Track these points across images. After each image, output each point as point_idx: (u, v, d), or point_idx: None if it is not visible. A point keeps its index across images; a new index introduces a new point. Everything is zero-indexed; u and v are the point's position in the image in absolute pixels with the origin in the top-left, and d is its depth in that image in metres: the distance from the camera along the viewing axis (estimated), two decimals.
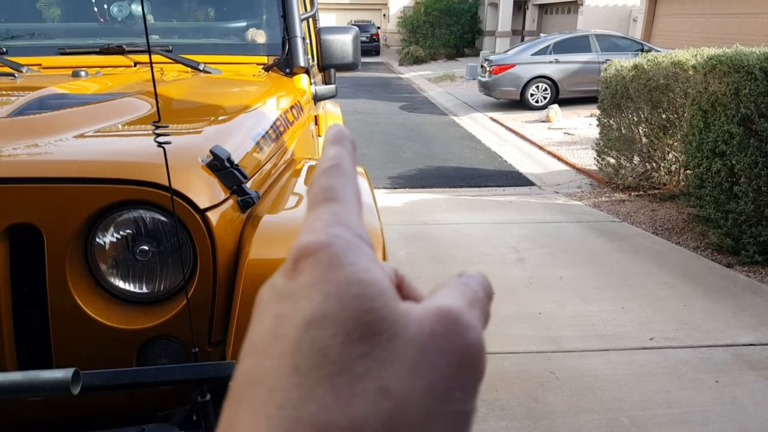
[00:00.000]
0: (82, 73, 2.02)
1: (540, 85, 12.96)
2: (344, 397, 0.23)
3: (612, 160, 6.95)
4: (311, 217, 0.29)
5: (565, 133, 10.30)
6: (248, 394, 0.24)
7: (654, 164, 6.53)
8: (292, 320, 0.25)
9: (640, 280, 4.19)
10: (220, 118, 1.73)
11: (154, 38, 2.63)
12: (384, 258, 1.34)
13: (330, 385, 0.23)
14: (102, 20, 2.70)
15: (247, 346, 0.26)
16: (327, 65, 2.75)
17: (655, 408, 2.73)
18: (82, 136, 1.40)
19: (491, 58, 13.85)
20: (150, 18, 2.75)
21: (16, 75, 2.12)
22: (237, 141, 1.54)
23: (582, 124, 10.77)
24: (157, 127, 1.15)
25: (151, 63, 1.11)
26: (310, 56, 2.81)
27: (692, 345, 3.29)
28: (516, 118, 11.95)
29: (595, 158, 7.29)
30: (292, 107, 2.20)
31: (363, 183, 1.80)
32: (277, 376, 0.24)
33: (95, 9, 2.68)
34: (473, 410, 0.27)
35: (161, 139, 1.13)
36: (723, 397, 2.82)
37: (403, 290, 0.30)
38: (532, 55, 13.15)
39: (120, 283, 1.25)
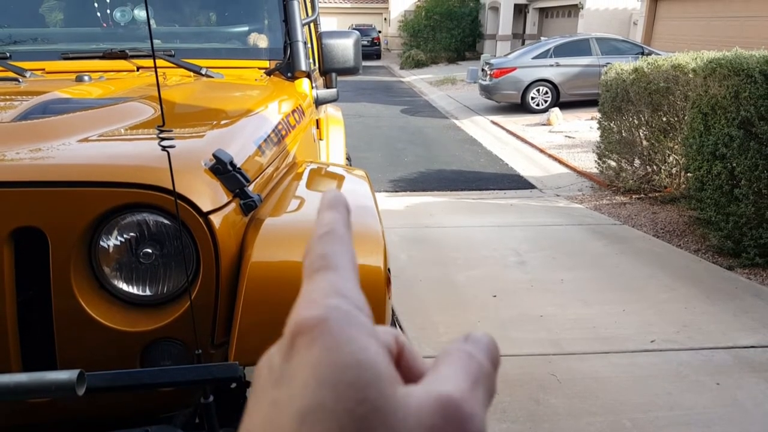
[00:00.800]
0: (86, 78, 2.04)
1: (541, 88, 12.97)
2: None
3: (613, 163, 6.96)
4: (308, 287, 0.28)
5: (565, 136, 10.31)
6: None
7: (655, 167, 6.54)
8: (288, 410, 0.24)
9: (641, 283, 4.19)
10: (223, 122, 1.74)
11: (157, 43, 2.65)
12: (385, 262, 1.35)
13: None
14: (105, 25, 2.71)
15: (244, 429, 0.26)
16: (328, 69, 2.77)
17: (657, 410, 2.74)
18: (85, 140, 1.42)
19: (492, 61, 13.87)
20: (152, 23, 2.77)
21: (20, 80, 2.14)
22: (239, 145, 1.55)
23: (583, 127, 10.78)
24: (161, 131, 1.17)
25: (155, 67, 1.12)
26: (311, 60, 2.83)
27: (693, 347, 3.29)
28: (517, 122, 11.97)
29: (595, 161, 7.30)
30: (293, 111, 2.21)
31: (365, 186, 1.81)
32: None
33: (98, 14, 2.70)
34: None
35: (165, 143, 1.14)
36: (724, 400, 2.82)
37: (403, 360, 0.29)
38: (533, 58, 13.17)
39: (124, 286, 1.27)
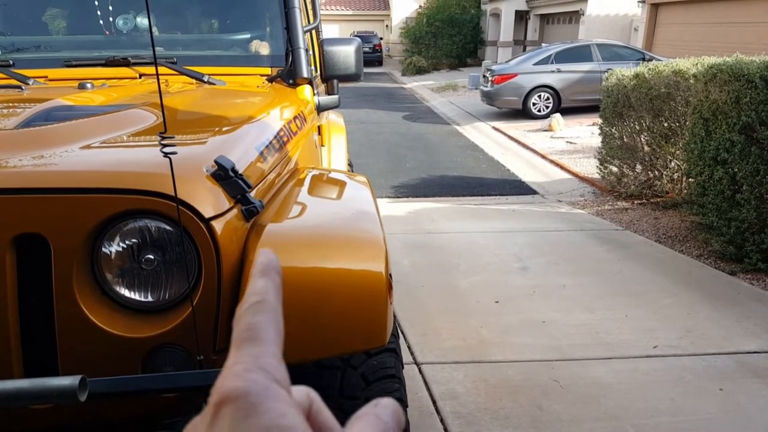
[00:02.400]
0: (88, 85, 2.05)
1: (542, 94, 12.99)
2: None
3: (614, 169, 6.96)
4: (233, 358, 0.31)
5: (567, 141, 10.31)
6: None
7: (656, 172, 6.54)
8: None
9: (643, 288, 4.19)
10: (225, 128, 1.75)
11: (159, 50, 2.66)
12: (386, 268, 1.36)
13: None
14: (107, 33, 2.73)
15: None
16: (330, 76, 2.77)
17: (660, 416, 2.73)
18: (88, 147, 1.42)
19: (493, 67, 13.90)
20: (155, 30, 2.78)
21: (23, 87, 2.15)
22: (241, 151, 1.56)
23: (584, 132, 10.78)
24: (163, 138, 1.17)
25: (157, 74, 1.13)
26: (313, 67, 2.84)
27: (696, 353, 3.28)
28: (518, 127, 11.98)
29: (597, 167, 7.30)
30: (295, 117, 2.22)
31: (366, 192, 1.81)
32: None
33: (101, 22, 2.71)
34: None
35: (167, 149, 1.15)
36: (727, 405, 2.81)
37: (313, 415, 0.34)
38: (534, 64, 13.19)
39: (126, 292, 1.27)
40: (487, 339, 3.45)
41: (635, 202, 6.63)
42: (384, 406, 0.34)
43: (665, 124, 6.20)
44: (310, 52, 2.83)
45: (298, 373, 1.51)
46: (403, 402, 1.57)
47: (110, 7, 2.70)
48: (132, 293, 1.27)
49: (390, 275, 1.39)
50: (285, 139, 1.94)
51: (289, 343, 1.26)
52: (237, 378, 0.30)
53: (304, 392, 0.34)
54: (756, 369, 3.12)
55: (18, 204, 1.22)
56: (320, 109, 2.83)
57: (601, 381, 3.01)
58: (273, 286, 0.35)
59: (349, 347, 1.34)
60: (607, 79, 6.93)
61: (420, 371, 3.10)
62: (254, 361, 0.31)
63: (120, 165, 1.35)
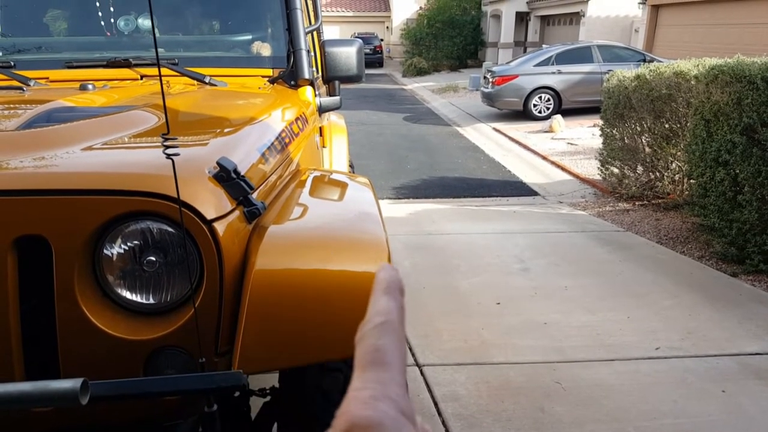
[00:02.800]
0: (90, 87, 2.05)
1: (543, 95, 12.99)
2: None
3: (615, 170, 6.95)
4: (360, 381, 0.30)
5: (568, 143, 10.31)
6: None
7: (657, 174, 6.53)
8: None
9: (645, 290, 4.18)
10: (226, 130, 1.74)
11: (160, 51, 2.66)
12: None
13: None
14: (109, 34, 2.72)
15: None
16: (331, 77, 2.77)
17: (662, 418, 2.72)
18: (89, 148, 1.42)
19: (494, 69, 13.90)
20: (156, 31, 2.78)
21: (24, 88, 2.15)
22: (243, 152, 1.55)
23: (585, 134, 10.78)
24: (166, 139, 1.17)
25: (160, 75, 1.13)
26: (314, 68, 2.84)
27: (698, 354, 3.27)
28: (519, 129, 11.98)
29: (598, 168, 7.30)
30: (297, 119, 2.22)
31: (368, 193, 1.81)
32: None
33: (102, 23, 2.71)
34: None
35: (170, 151, 1.14)
36: (730, 407, 2.80)
37: None
38: (535, 66, 13.19)
39: (127, 294, 1.26)
40: (489, 340, 3.44)
41: (636, 203, 6.62)
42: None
43: (666, 126, 6.19)
44: (312, 54, 2.83)
45: (300, 375, 1.51)
46: None
47: (111, 8, 2.69)
48: (133, 295, 1.26)
49: None
50: (287, 140, 1.94)
51: (292, 345, 1.26)
52: (366, 406, 0.29)
53: (419, 423, 0.33)
54: (758, 370, 3.11)
55: (19, 205, 1.21)
56: (321, 110, 2.82)
57: (602, 383, 3.00)
58: (396, 306, 0.34)
59: (351, 350, 1.33)
60: (608, 80, 6.92)
61: (421, 373, 3.09)
62: (382, 389, 0.30)
63: (122, 166, 1.34)
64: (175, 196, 1.17)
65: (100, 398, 1.08)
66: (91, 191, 1.23)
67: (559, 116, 11.70)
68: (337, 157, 3.76)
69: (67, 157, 1.35)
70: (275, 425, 1.59)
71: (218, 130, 1.72)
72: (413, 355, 3.27)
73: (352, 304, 1.31)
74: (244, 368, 1.21)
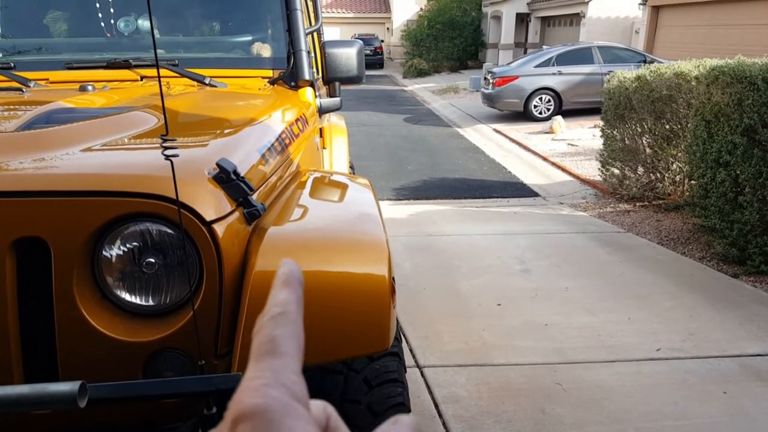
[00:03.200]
0: (89, 88, 2.04)
1: (543, 96, 12.99)
2: None
3: (616, 171, 6.95)
4: (252, 371, 0.31)
5: (568, 144, 10.30)
6: None
7: (658, 175, 6.52)
8: None
9: (646, 291, 4.17)
10: (226, 131, 1.74)
11: (160, 52, 2.66)
12: (390, 271, 1.34)
13: None
14: (109, 35, 2.72)
15: None
16: (331, 78, 2.77)
17: (663, 419, 2.71)
18: (89, 149, 1.41)
19: (494, 70, 13.91)
20: (156, 33, 2.77)
21: (24, 90, 2.14)
22: (243, 154, 1.55)
23: (586, 135, 10.78)
24: (165, 140, 1.16)
25: (159, 77, 1.12)
26: (314, 70, 2.83)
27: (699, 356, 3.27)
28: (520, 130, 11.97)
29: (599, 169, 7.29)
30: (297, 120, 2.21)
31: (368, 195, 1.80)
32: None
33: (102, 24, 2.70)
34: None
35: (169, 152, 1.14)
36: (731, 409, 2.79)
37: (330, 430, 0.33)
38: (535, 67, 13.19)
39: (126, 296, 1.26)
40: (489, 342, 3.43)
41: (637, 204, 6.62)
42: (403, 424, 0.33)
43: (667, 127, 6.19)
44: (312, 55, 2.82)
45: None
46: (405, 406, 1.56)
47: (111, 10, 2.69)
48: (133, 297, 1.26)
49: (393, 278, 1.38)
50: (287, 141, 1.94)
51: None
52: (256, 394, 0.29)
53: (321, 407, 0.34)
54: (759, 372, 3.10)
55: (18, 207, 1.21)
56: (322, 111, 2.82)
57: (603, 384, 3.00)
58: (295, 298, 0.34)
59: (351, 351, 1.33)
60: (608, 81, 6.92)
61: (422, 374, 3.09)
62: (274, 376, 0.30)
63: (121, 168, 1.34)
64: (175, 197, 1.17)
65: (98, 401, 1.08)
66: (90, 193, 1.22)
67: (559, 117, 11.70)
68: (337, 158, 3.76)
69: (66, 159, 1.35)
70: None
71: (218, 131, 1.72)
72: (414, 356, 3.26)
73: (352, 306, 1.30)
74: (243, 370, 1.20)
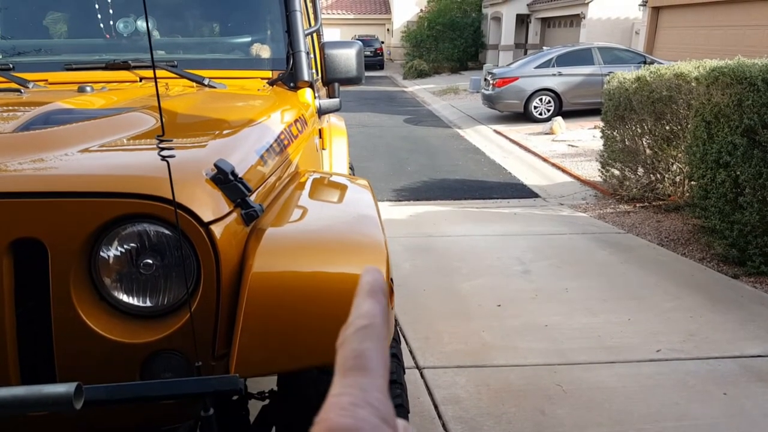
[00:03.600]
0: (88, 89, 2.04)
1: (543, 97, 12.99)
2: None
3: (616, 172, 6.95)
4: (340, 387, 0.30)
5: (569, 145, 10.30)
6: None
7: (658, 175, 6.52)
8: None
9: (646, 292, 4.17)
10: (225, 132, 1.74)
11: (160, 53, 2.66)
12: (387, 273, 1.34)
13: None
14: (108, 36, 2.72)
15: None
16: (331, 79, 2.77)
17: (664, 421, 2.71)
18: (86, 150, 1.41)
19: (494, 71, 13.91)
20: (156, 34, 2.77)
21: (22, 90, 2.14)
22: (241, 154, 1.55)
23: (586, 136, 10.77)
24: (161, 141, 1.16)
25: (155, 78, 1.12)
26: (314, 70, 2.83)
27: (700, 357, 3.26)
28: (520, 131, 11.97)
29: (599, 170, 7.29)
30: (296, 121, 2.21)
31: (367, 195, 1.80)
32: None
33: (101, 25, 2.70)
34: None
35: (165, 153, 1.14)
36: (732, 410, 2.79)
37: None
38: (536, 68, 13.20)
39: (124, 297, 1.25)
40: (489, 343, 3.43)
41: (637, 205, 6.61)
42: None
43: (667, 127, 6.18)
44: (311, 56, 2.82)
45: (298, 379, 1.49)
46: (404, 407, 1.55)
47: (111, 11, 2.69)
48: (130, 298, 1.25)
49: (391, 279, 1.38)
50: (285, 142, 1.93)
51: (290, 348, 1.25)
52: (344, 413, 0.28)
53: (402, 427, 0.33)
54: (760, 373, 3.10)
55: (15, 208, 1.20)
56: (321, 112, 2.82)
57: (604, 385, 2.99)
58: (380, 309, 0.33)
59: None
60: (608, 82, 6.92)
61: (422, 375, 3.08)
62: (362, 395, 0.29)
63: (118, 168, 1.33)
64: (171, 198, 1.16)
65: (94, 403, 1.07)
66: (88, 194, 1.22)
67: (559, 118, 11.70)
68: (337, 159, 3.75)
69: (63, 160, 1.35)
70: (273, 429, 1.58)
71: (216, 132, 1.71)
72: (413, 357, 3.26)
73: (350, 307, 1.29)
74: (241, 372, 1.20)
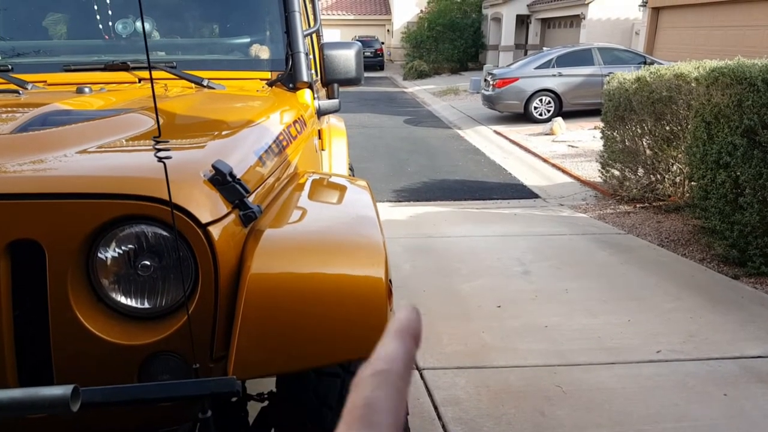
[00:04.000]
0: (86, 90, 2.04)
1: (543, 98, 12.99)
2: None
3: (616, 172, 6.94)
4: None
5: (569, 145, 10.30)
6: None
7: (658, 176, 6.52)
8: None
9: (646, 293, 4.16)
10: (223, 133, 1.73)
11: (160, 54, 2.65)
12: (386, 274, 1.34)
13: None
14: (107, 37, 2.72)
15: None
16: (330, 80, 2.76)
17: (664, 422, 2.70)
18: (84, 151, 1.41)
19: (495, 72, 13.91)
20: (156, 35, 2.77)
21: (21, 92, 2.14)
22: (239, 156, 1.54)
23: (586, 136, 10.77)
24: (158, 143, 1.16)
25: (151, 78, 1.12)
26: (313, 71, 2.83)
27: (700, 357, 3.26)
28: (520, 131, 11.97)
29: (599, 170, 7.28)
30: (295, 122, 2.20)
31: (366, 196, 1.80)
32: None
33: (100, 26, 2.70)
34: None
35: (161, 154, 1.13)
36: (732, 411, 2.78)
37: None
38: (536, 68, 13.19)
39: (121, 299, 1.25)
40: (489, 344, 3.42)
41: (637, 205, 6.61)
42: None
43: (667, 128, 6.18)
44: (311, 56, 2.82)
45: (296, 380, 1.49)
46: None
47: (110, 12, 2.69)
48: (128, 300, 1.25)
49: (390, 281, 1.38)
50: (284, 143, 1.93)
51: (288, 350, 1.24)
52: None
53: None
54: (760, 374, 3.09)
55: (12, 209, 1.20)
56: (320, 113, 2.82)
57: (604, 386, 2.99)
58: (404, 352, 0.31)
59: (348, 354, 1.32)
60: (608, 82, 6.92)
61: (421, 377, 3.08)
62: None
63: (116, 170, 1.33)
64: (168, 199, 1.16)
65: (91, 405, 1.07)
66: (85, 195, 1.22)
67: (559, 119, 11.69)
68: (336, 159, 3.75)
69: (61, 161, 1.34)
70: (272, 430, 1.57)
71: (215, 133, 1.71)
72: None
73: (349, 308, 1.29)
74: (239, 374, 1.20)
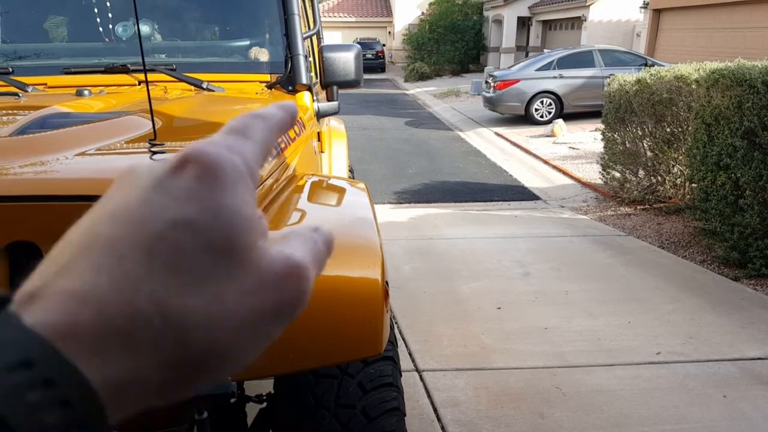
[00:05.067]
0: (86, 92, 2.04)
1: (544, 100, 12.99)
2: (185, 290, 0.26)
3: (617, 174, 6.94)
4: (218, 137, 0.30)
5: (569, 147, 10.30)
6: (95, 251, 0.26)
7: (659, 178, 6.52)
8: (161, 214, 0.26)
9: (647, 294, 4.16)
10: None
11: (160, 57, 2.66)
12: (383, 276, 1.34)
13: (175, 277, 0.26)
14: (107, 40, 2.73)
15: (108, 210, 0.28)
16: (329, 82, 2.77)
17: (663, 424, 2.70)
18: (83, 154, 1.41)
19: (496, 73, 13.92)
20: (156, 37, 2.78)
21: (20, 94, 2.15)
22: None
23: (587, 138, 10.77)
24: (153, 145, 1.16)
25: (147, 81, 1.12)
26: (312, 74, 2.84)
27: (700, 359, 3.25)
28: (521, 133, 11.97)
29: (600, 172, 7.28)
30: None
31: (363, 198, 1.80)
32: (131, 249, 0.26)
33: (100, 29, 2.71)
34: (273, 341, 0.31)
35: (156, 156, 1.14)
36: (732, 413, 2.78)
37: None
38: (537, 70, 13.20)
39: None
40: (489, 345, 3.43)
41: (638, 207, 6.61)
42: (322, 233, 0.34)
43: (668, 130, 6.18)
44: (310, 59, 2.82)
45: (293, 382, 1.50)
46: (400, 410, 1.55)
47: (110, 15, 2.70)
48: None
49: (387, 282, 1.38)
50: (283, 145, 1.93)
51: (285, 351, 1.24)
52: (216, 147, 0.28)
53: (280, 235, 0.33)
54: (760, 376, 3.09)
55: (11, 212, 1.21)
56: (320, 115, 2.82)
57: (603, 388, 2.99)
58: (283, 116, 0.34)
59: (344, 356, 1.33)
60: (609, 84, 6.92)
61: (421, 378, 3.08)
62: (237, 144, 0.30)
63: (114, 172, 1.34)
64: None
65: None
66: (83, 197, 1.22)
67: (560, 120, 11.69)
68: (336, 162, 3.76)
69: (60, 163, 1.35)
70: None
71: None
72: (413, 360, 3.25)
73: (346, 310, 1.30)
74: (235, 375, 1.20)
